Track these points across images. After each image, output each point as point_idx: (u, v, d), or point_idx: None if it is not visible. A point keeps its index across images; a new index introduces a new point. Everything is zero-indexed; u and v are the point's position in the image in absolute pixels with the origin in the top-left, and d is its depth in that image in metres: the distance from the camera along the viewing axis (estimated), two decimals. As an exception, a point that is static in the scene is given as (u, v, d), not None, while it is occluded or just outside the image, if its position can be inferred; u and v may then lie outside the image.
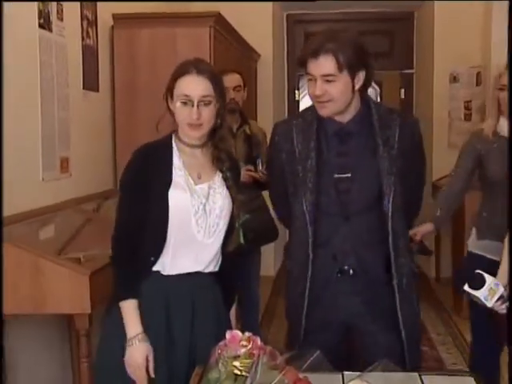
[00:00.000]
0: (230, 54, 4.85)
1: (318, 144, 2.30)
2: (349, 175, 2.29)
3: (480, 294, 2.09)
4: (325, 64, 2.19)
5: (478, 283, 2.09)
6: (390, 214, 2.27)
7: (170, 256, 2.10)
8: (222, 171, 2.21)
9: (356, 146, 2.31)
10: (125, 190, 2.16)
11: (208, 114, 2.10)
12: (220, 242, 2.17)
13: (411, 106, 7.04)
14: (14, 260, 2.58)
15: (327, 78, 2.20)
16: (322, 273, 2.32)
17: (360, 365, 2.03)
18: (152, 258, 2.09)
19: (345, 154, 2.31)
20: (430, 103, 6.47)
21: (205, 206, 2.12)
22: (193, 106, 2.08)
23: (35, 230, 3.02)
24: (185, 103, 2.09)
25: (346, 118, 2.30)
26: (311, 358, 1.87)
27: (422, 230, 2.79)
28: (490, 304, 2.09)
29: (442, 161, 5.88)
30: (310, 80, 2.25)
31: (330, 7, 6.65)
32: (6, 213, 2.78)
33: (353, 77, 2.23)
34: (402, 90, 7.14)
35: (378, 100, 6.97)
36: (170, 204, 2.08)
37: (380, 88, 7.18)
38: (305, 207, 2.29)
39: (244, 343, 1.81)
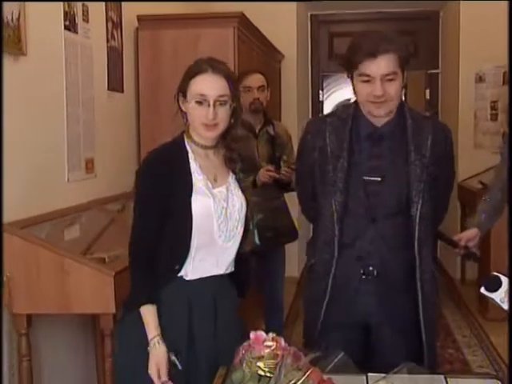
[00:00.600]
0: (254, 54, 4.85)
1: (350, 145, 2.29)
2: (378, 179, 2.28)
3: (496, 296, 2.05)
4: (386, 63, 2.18)
5: (495, 285, 2.06)
6: (417, 220, 2.26)
7: (192, 261, 2.07)
8: (234, 172, 2.19)
9: (388, 150, 2.30)
10: (142, 196, 2.10)
11: (224, 114, 2.06)
12: (237, 244, 2.15)
13: (436, 107, 6.97)
14: (39, 260, 2.60)
15: (388, 77, 2.19)
16: (345, 272, 2.31)
17: (376, 366, 2.02)
18: (177, 267, 2.06)
19: (376, 157, 2.30)
20: (455, 103, 6.41)
21: (226, 210, 2.10)
22: (209, 105, 2.03)
23: (60, 230, 3.05)
24: (200, 103, 2.05)
25: (381, 120, 2.30)
26: (336, 360, 1.86)
27: (467, 235, 2.74)
28: (506, 306, 2.06)
29: (468, 161, 5.85)
30: (364, 81, 2.21)
31: (354, 7, 6.62)
32: (32, 213, 2.82)
33: (403, 76, 2.25)
34: (427, 91, 7.06)
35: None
36: (193, 211, 2.04)
37: (405, 88, 7.11)
38: (334, 207, 2.28)
39: (268, 344, 1.80)
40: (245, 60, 4.39)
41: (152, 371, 2.01)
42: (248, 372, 1.77)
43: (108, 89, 3.78)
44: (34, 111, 2.91)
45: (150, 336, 2.02)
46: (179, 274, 2.07)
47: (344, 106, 2.42)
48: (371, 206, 2.28)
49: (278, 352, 1.78)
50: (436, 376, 1.97)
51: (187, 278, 2.07)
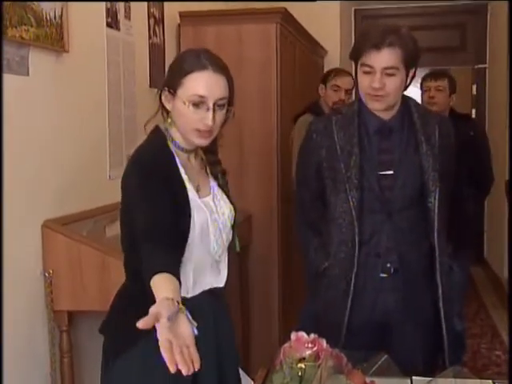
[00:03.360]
0: (297, 50, 4.81)
1: (359, 140, 2.28)
2: (391, 172, 2.28)
3: None
4: (389, 56, 2.18)
5: None
6: (436, 210, 2.26)
7: (192, 281, 1.86)
8: (216, 177, 1.97)
9: (398, 143, 2.31)
10: (147, 187, 1.78)
11: (221, 119, 1.82)
12: (226, 252, 1.98)
13: (484, 102, 6.83)
14: (81, 257, 2.61)
15: (388, 71, 2.19)
16: (364, 271, 2.29)
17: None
18: None
19: (387, 151, 2.30)
20: (503, 99, 6.25)
21: (218, 221, 1.89)
22: (207, 109, 1.78)
23: (102, 227, 3.05)
24: (197, 105, 1.79)
25: (388, 114, 2.30)
26: (379, 362, 1.82)
27: None
28: None
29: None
30: (366, 73, 2.23)
31: (399, 1, 6.52)
32: (74, 210, 2.83)
33: (407, 73, 2.25)
34: (474, 86, 6.92)
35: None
36: (192, 228, 1.79)
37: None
38: (351, 203, 2.26)
39: (309, 345, 1.77)
40: (287, 56, 4.35)
41: (188, 336, 1.40)
42: (289, 374, 1.74)
43: (150, 86, 3.78)
44: (75, 108, 2.91)
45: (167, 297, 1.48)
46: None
47: (348, 104, 2.44)
48: (386, 200, 2.28)
49: (320, 353, 1.75)
50: (484, 381, 1.90)
51: (188, 296, 1.82)
